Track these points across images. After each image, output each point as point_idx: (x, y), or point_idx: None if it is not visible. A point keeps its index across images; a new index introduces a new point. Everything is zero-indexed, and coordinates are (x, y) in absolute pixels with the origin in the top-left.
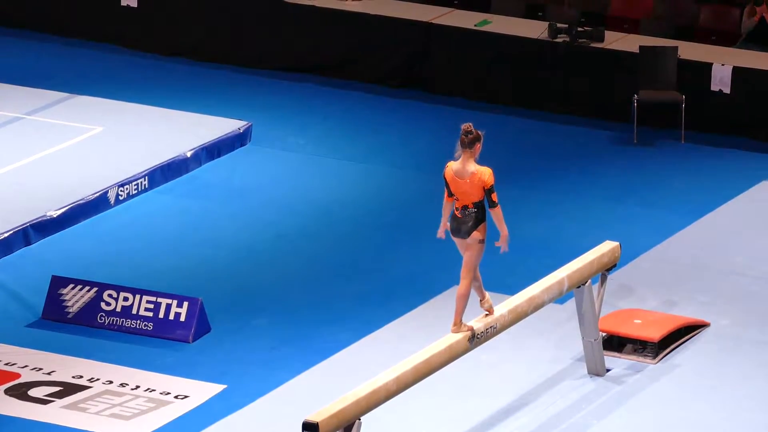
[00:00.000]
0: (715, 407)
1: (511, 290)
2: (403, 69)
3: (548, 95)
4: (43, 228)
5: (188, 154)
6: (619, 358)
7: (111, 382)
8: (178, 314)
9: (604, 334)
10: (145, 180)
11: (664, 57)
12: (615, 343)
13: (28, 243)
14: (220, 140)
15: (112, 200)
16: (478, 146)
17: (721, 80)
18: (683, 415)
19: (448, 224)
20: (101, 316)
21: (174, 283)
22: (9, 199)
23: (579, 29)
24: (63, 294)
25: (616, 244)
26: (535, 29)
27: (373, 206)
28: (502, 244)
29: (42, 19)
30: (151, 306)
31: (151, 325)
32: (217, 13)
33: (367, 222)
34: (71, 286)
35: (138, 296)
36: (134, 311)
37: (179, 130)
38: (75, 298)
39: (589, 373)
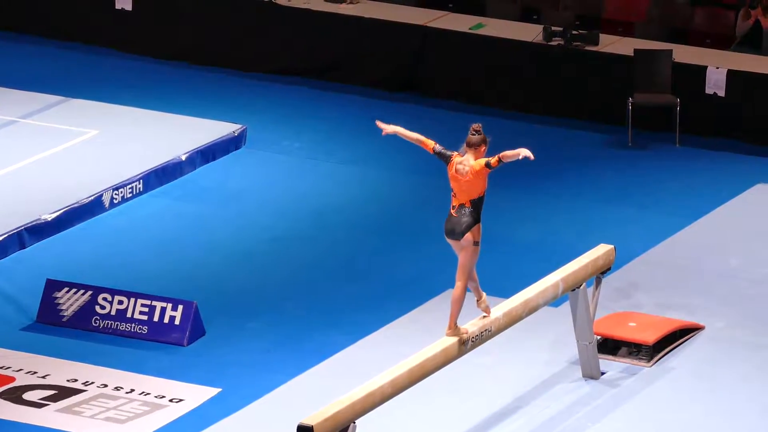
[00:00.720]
0: (710, 410)
1: (506, 293)
2: (398, 72)
3: (543, 98)
4: (38, 231)
5: (183, 158)
6: (614, 361)
7: (106, 386)
8: (172, 317)
9: (598, 337)
10: (139, 183)
11: (659, 60)
12: (610, 346)
13: (22, 246)
14: (215, 143)
15: (107, 204)
16: (483, 148)
17: (715, 83)
18: (678, 418)
19: (446, 227)
20: (96, 319)
21: (169, 286)
22: (4, 202)
23: (574, 32)
24: (57, 297)
25: (610, 247)
26: (529, 32)
27: (368, 210)
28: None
29: (37, 22)
30: (146, 309)
31: (145, 329)
32: (211, 16)
33: (363, 225)
34: (66, 289)
35: (133, 300)
36: (129, 315)
37: (174, 133)
38: (70, 302)
39: (583, 376)
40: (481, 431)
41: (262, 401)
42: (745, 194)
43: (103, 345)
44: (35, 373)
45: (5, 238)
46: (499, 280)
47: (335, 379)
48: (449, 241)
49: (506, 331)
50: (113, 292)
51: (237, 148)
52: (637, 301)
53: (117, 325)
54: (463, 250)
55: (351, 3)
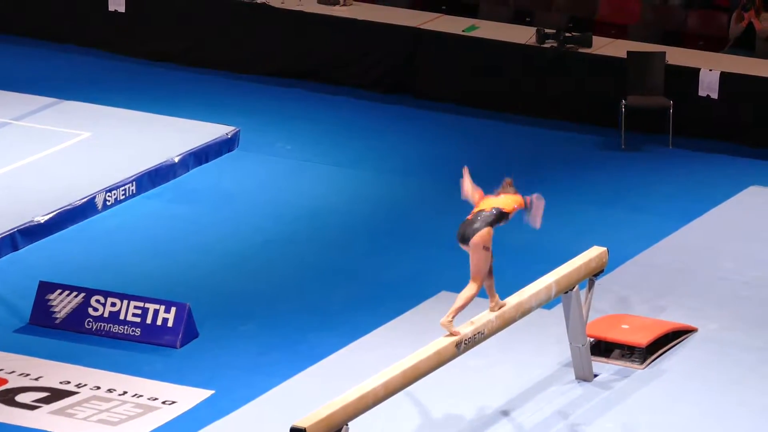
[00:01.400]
0: (704, 412)
1: (500, 295)
2: (391, 74)
3: (536, 100)
4: (31, 233)
5: (176, 160)
6: (607, 363)
7: (98, 388)
8: (165, 320)
9: (591, 339)
10: (132, 185)
11: (652, 62)
12: (603, 348)
13: (15, 248)
14: (207, 146)
15: (100, 205)
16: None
17: (708, 85)
18: (671, 420)
19: (458, 231)
20: (89, 321)
21: (162, 288)
22: None
23: (567, 35)
24: (50, 299)
25: (603, 249)
26: (523, 35)
27: (361, 212)
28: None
29: (30, 23)
30: (139, 311)
31: (138, 331)
32: (204, 18)
33: (356, 227)
34: (59, 291)
35: (125, 302)
36: (122, 317)
37: (167, 135)
38: (62, 304)
39: (576, 378)
40: None
41: (255, 403)
42: (738, 196)
43: (96, 347)
44: (28, 375)
45: None
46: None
47: (328, 381)
48: (463, 247)
49: (499, 333)
50: (106, 294)
51: (230, 150)
52: (630, 304)
53: (110, 327)
54: (472, 252)
55: (344, 5)
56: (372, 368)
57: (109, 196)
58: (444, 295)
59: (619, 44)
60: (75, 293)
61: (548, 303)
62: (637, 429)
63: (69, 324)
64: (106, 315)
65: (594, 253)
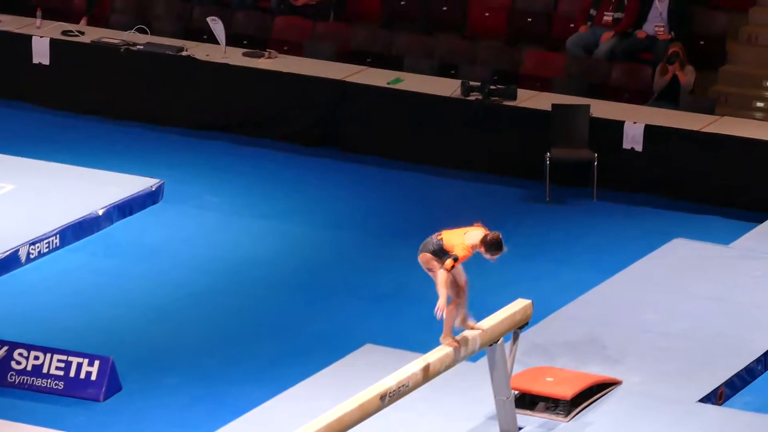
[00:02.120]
0: None
1: (424, 348)
2: (316, 127)
3: (461, 153)
4: None
5: (100, 213)
6: (532, 416)
7: None
8: (89, 373)
9: (516, 392)
10: (56, 238)
11: (576, 115)
12: (527, 401)
13: None
14: (131, 198)
15: (23, 258)
16: (482, 251)
17: (633, 138)
18: None
19: None
20: (11, 375)
21: (85, 341)
22: None
23: (491, 87)
24: None
25: (528, 301)
26: (447, 87)
27: (286, 264)
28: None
29: None
30: (62, 365)
31: (62, 384)
32: (129, 71)
33: (281, 280)
34: None
35: (49, 355)
36: (45, 370)
37: (91, 188)
38: None
39: (501, 431)
40: None
41: None
42: (662, 249)
43: (19, 401)
44: None
45: None
46: (418, 335)
47: None
48: None
49: (424, 386)
50: (29, 348)
51: (154, 202)
52: (554, 356)
53: (33, 380)
54: None
55: (269, 57)
56: (297, 421)
57: (32, 249)
58: (368, 347)
59: (543, 97)
60: None
61: (473, 356)
62: None
63: None
64: (29, 368)
65: (518, 305)
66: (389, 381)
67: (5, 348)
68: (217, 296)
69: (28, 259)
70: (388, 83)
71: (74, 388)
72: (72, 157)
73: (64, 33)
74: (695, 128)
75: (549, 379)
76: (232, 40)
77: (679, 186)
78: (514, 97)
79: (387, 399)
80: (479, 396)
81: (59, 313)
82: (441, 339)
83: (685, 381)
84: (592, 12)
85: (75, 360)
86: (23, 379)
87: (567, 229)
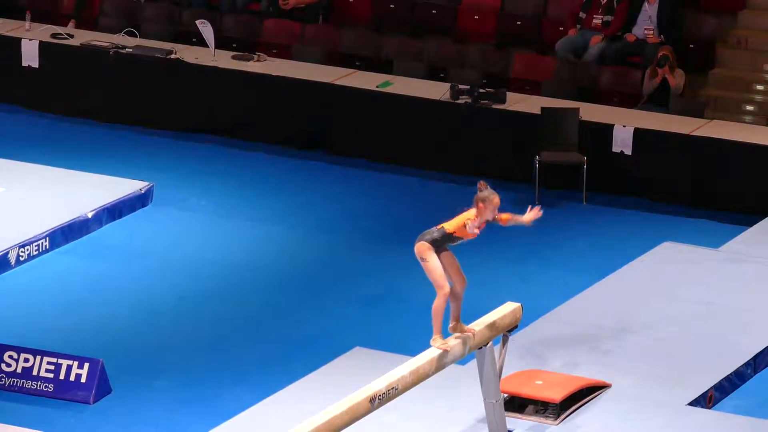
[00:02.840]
0: None
1: (413, 351)
2: (305, 130)
3: (450, 156)
4: None
5: (89, 215)
6: (521, 419)
7: None
8: (78, 375)
9: (505, 395)
10: (46, 241)
11: (566, 118)
12: (516, 404)
13: None
14: (121, 201)
15: (13, 261)
16: (481, 206)
17: (622, 141)
18: None
19: None
20: (1, 377)
21: (75, 344)
22: None
23: (481, 91)
24: None
25: (517, 305)
26: (437, 91)
27: (275, 268)
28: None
29: None
30: (52, 367)
31: (51, 387)
32: (118, 74)
33: (270, 283)
34: None
35: (38, 357)
36: (35, 372)
37: (80, 190)
38: None
39: None
40: None
41: None
42: (651, 252)
43: (8, 403)
44: None
45: None
46: (407, 339)
47: None
48: None
49: (413, 389)
50: (19, 350)
51: (144, 205)
52: (543, 359)
53: (23, 382)
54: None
55: (258, 60)
56: (286, 424)
57: (22, 251)
58: (358, 350)
59: (533, 100)
60: None
61: (462, 359)
62: None
63: None
64: (18, 371)
65: (508, 308)
66: (379, 384)
67: None
68: (207, 299)
69: (18, 262)
70: (377, 86)
71: (64, 391)
72: (61, 159)
73: (54, 36)
74: (685, 132)
75: (538, 382)
76: (222, 44)
77: (669, 189)
78: (503, 101)
79: (376, 402)
80: (469, 399)
81: (49, 315)
82: (431, 342)
83: (674, 384)
84: (582, 15)
85: (65, 362)
86: (13, 381)
87: (556, 233)
